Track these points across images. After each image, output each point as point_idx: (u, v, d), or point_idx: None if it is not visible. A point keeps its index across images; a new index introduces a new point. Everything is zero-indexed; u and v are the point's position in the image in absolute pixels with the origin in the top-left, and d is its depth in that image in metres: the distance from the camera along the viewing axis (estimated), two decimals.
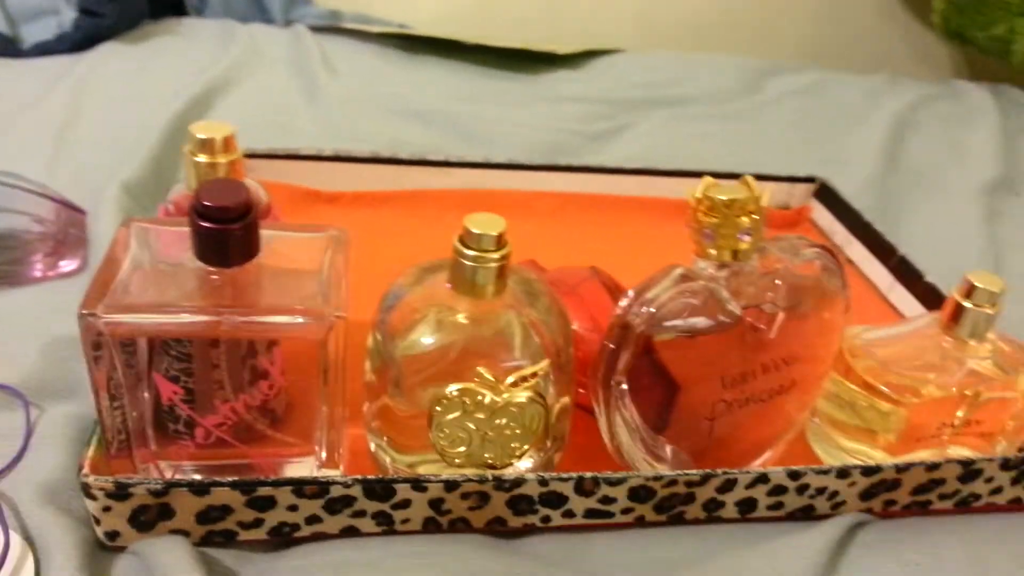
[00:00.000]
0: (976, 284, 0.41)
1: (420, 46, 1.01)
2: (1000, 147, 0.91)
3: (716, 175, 0.67)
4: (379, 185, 0.67)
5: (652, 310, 0.37)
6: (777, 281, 0.40)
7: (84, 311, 0.33)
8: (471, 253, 0.36)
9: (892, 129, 0.92)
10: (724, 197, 0.37)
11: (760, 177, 0.68)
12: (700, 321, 0.38)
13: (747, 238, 0.38)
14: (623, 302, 0.38)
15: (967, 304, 0.41)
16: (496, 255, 0.36)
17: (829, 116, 0.96)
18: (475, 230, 0.36)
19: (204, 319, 0.34)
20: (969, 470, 0.42)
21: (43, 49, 0.86)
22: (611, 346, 0.38)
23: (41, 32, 0.87)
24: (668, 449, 0.41)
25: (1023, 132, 0.97)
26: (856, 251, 0.65)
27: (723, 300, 0.38)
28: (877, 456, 0.43)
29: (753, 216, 0.37)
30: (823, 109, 0.98)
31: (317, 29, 1.01)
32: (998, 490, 0.44)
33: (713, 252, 0.38)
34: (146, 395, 0.37)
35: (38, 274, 0.55)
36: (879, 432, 0.43)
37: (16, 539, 0.36)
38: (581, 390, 0.42)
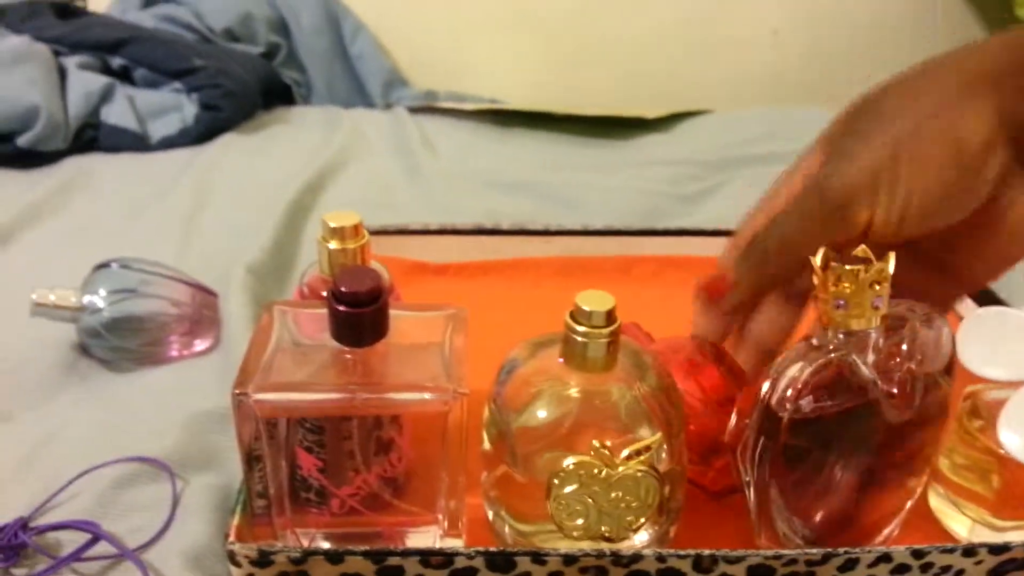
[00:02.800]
0: None
1: (512, 120, 1.05)
2: None
3: None
4: (482, 255, 0.69)
5: (793, 390, 0.38)
6: (903, 346, 0.40)
7: (237, 391, 0.36)
8: (582, 329, 0.38)
9: None
10: (851, 267, 0.37)
11: None
12: (839, 394, 0.38)
13: (879, 305, 0.38)
14: (765, 384, 0.39)
15: None
16: (606, 331, 0.38)
17: None
18: (586, 307, 0.38)
19: (341, 396, 0.37)
20: None
21: (168, 143, 0.93)
22: (755, 427, 0.39)
23: (166, 127, 0.95)
24: (799, 524, 0.41)
25: None
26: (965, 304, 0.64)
27: (860, 368, 0.38)
28: (989, 521, 0.42)
29: (883, 284, 0.38)
30: None
31: (415, 110, 1.07)
32: None
33: (843, 321, 0.38)
34: (283, 465, 0.39)
35: (175, 354, 0.59)
36: (986, 493, 0.42)
37: None
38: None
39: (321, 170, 0.86)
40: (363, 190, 0.84)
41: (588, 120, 1.03)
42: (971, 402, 0.45)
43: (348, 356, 0.38)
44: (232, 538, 0.38)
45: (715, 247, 0.70)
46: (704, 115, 1.09)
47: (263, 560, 0.38)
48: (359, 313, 0.36)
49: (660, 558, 0.39)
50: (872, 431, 0.39)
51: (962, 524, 0.45)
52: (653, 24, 1.20)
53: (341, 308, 0.36)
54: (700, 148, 0.99)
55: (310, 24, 1.16)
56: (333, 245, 0.44)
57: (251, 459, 0.37)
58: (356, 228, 0.44)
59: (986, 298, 0.61)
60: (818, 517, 0.41)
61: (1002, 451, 0.40)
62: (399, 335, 0.40)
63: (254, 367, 0.37)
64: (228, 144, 0.93)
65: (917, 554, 0.40)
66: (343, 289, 0.35)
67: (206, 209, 0.79)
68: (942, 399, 0.42)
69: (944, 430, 0.43)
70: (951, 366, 0.42)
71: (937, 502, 0.46)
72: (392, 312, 0.39)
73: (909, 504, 0.43)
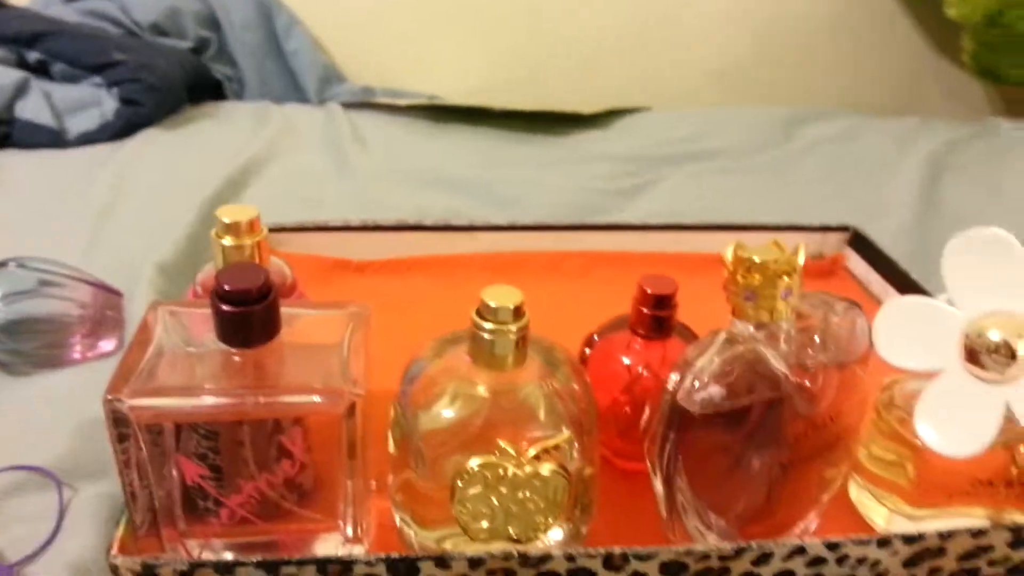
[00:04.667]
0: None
1: (448, 116, 1.03)
2: None
3: (746, 227, 0.68)
4: (406, 252, 0.67)
5: (700, 383, 0.37)
6: (816, 337, 0.39)
7: (109, 396, 0.33)
8: (489, 326, 0.36)
9: (926, 173, 0.90)
10: (761, 258, 0.36)
11: (792, 227, 0.70)
12: (749, 387, 0.37)
13: (789, 298, 0.37)
14: (673, 376, 0.38)
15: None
16: (514, 327, 0.36)
17: (861, 163, 0.95)
18: (492, 303, 0.36)
19: (226, 401, 0.34)
20: (1019, 537, 0.40)
21: (87, 139, 0.90)
22: (663, 420, 0.38)
23: (85, 123, 0.91)
24: (713, 518, 0.40)
25: None
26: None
27: (769, 361, 0.38)
28: (905, 510, 0.42)
29: (793, 276, 0.37)
30: (855, 156, 0.97)
31: (349, 105, 1.04)
32: None
33: (754, 313, 0.37)
34: (175, 474, 0.37)
35: (77, 356, 0.56)
36: (903, 483, 0.42)
37: None
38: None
39: (245, 165, 0.84)
40: (289, 186, 0.82)
41: (525, 116, 1.02)
42: (889, 393, 0.44)
43: (236, 358, 0.35)
44: (115, 551, 0.36)
45: (647, 242, 0.69)
46: (642, 112, 1.08)
47: (147, 573, 0.35)
48: (244, 312, 0.34)
49: (569, 558, 0.37)
50: (784, 423, 0.38)
51: (880, 514, 0.44)
52: (594, 21, 1.19)
53: (224, 307, 0.34)
54: (637, 145, 0.99)
55: (241, 19, 1.13)
56: (227, 241, 0.41)
57: (128, 469, 0.35)
58: (252, 224, 0.42)
59: (908, 287, 0.61)
60: (733, 511, 0.40)
61: (918, 442, 0.40)
62: (296, 335, 0.38)
63: (130, 371, 0.34)
64: (149, 139, 0.90)
65: (832, 546, 0.39)
66: (226, 287, 0.33)
67: (121, 206, 0.76)
68: (859, 390, 0.41)
69: (862, 421, 0.43)
70: (868, 357, 0.41)
71: (857, 493, 0.46)
72: (287, 311, 0.37)
73: (827, 496, 0.43)
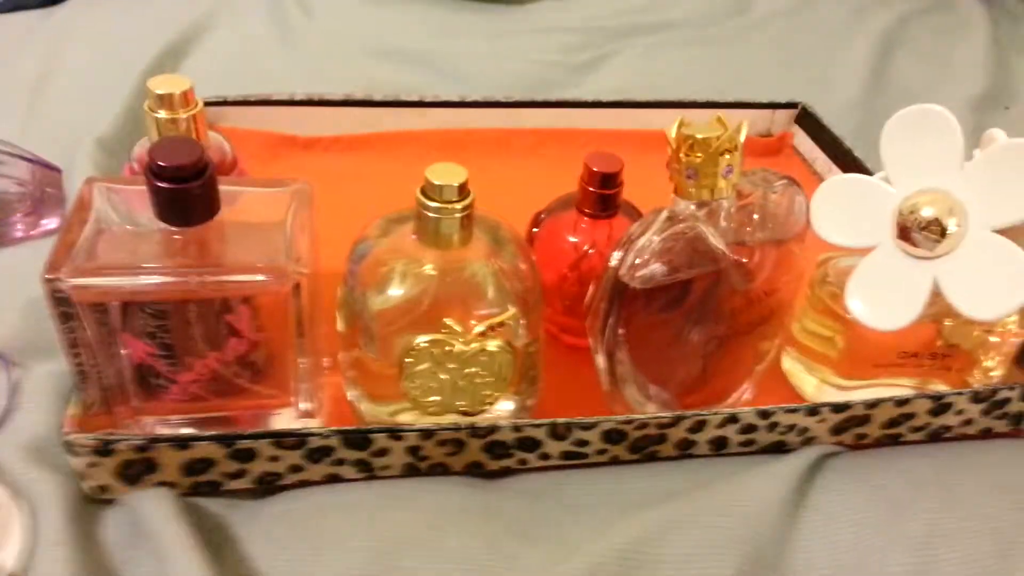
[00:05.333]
0: None
1: None
2: (990, 59, 0.89)
3: (695, 105, 0.68)
4: (355, 128, 0.66)
5: (641, 260, 0.37)
6: (755, 215, 0.40)
7: (48, 276, 0.33)
8: (434, 205, 0.36)
9: (880, 46, 0.89)
10: (704, 136, 0.36)
11: (741, 104, 0.69)
12: (689, 264, 0.38)
13: (730, 175, 0.38)
14: (616, 253, 0.38)
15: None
16: (459, 205, 0.36)
17: (816, 36, 0.94)
18: (437, 181, 0.36)
19: (168, 280, 0.34)
20: (940, 404, 0.43)
21: (13, 5, 0.84)
22: (605, 296, 0.38)
23: None
24: (653, 389, 0.42)
25: (1014, 43, 0.95)
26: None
27: (709, 238, 0.38)
28: (835, 381, 0.44)
29: (734, 153, 0.37)
30: (810, 28, 0.95)
31: None
32: (969, 422, 0.44)
33: (695, 191, 0.38)
34: (123, 352, 0.37)
35: (19, 234, 0.55)
36: (833, 355, 0.44)
37: (5, 493, 0.37)
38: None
39: (185, 33, 0.80)
40: (231, 57, 0.78)
41: None
42: (823, 269, 0.46)
43: (177, 237, 0.35)
44: (67, 428, 0.37)
45: (598, 119, 0.69)
46: None
47: (104, 449, 0.36)
48: (181, 189, 0.33)
49: (515, 428, 0.39)
50: (722, 299, 0.40)
51: (811, 385, 0.47)
52: None
53: (160, 184, 0.33)
54: (594, 15, 0.96)
55: None
56: (162, 115, 0.40)
57: (75, 348, 0.35)
58: (186, 95, 0.40)
59: (851, 165, 0.62)
60: (671, 382, 0.42)
61: (848, 316, 0.41)
62: (238, 213, 0.37)
63: (68, 249, 0.34)
64: (81, 5, 0.84)
65: (763, 414, 0.41)
66: (160, 163, 0.32)
67: (55, 76, 0.72)
68: (794, 266, 0.43)
69: (796, 296, 0.45)
70: (804, 234, 0.42)
71: (790, 365, 0.48)
72: (227, 188, 0.36)
73: (761, 367, 0.45)
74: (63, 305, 0.34)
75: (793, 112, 0.71)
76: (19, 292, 0.49)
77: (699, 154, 0.37)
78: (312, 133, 0.65)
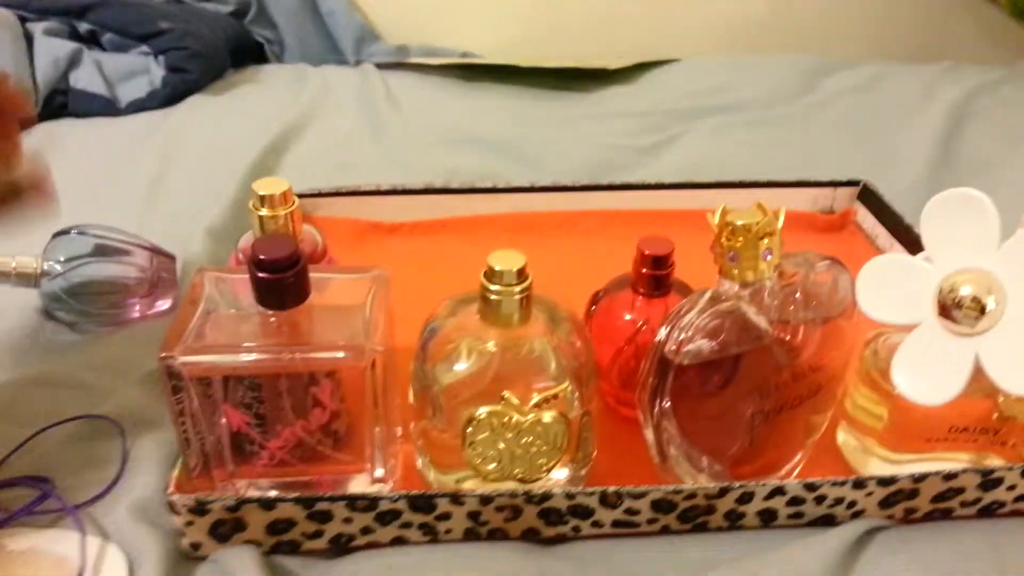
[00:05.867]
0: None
1: (479, 74, 1.06)
2: None
3: (758, 185, 0.71)
4: (435, 213, 0.72)
5: (686, 336, 0.40)
6: (797, 294, 0.42)
7: (163, 354, 0.38)
8: (495, 288, 0.40)
9: (948, 120, 0.90)
10: (744, 222, 0.39)
11: (804, 183, 0.72)
12: (733, 340, 0.41)
13: (769, 258, 0.40)
14: (662, 329, 0.41)
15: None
16: (518, 288, 0.40)
17: (883, 112, 0.95)
18: (498, 267, 0.40)
19: (264, 357, 0.39)
20: (989, 479, 0.43)
21: (137, 106, 0.95)
22: (652, 371, 0.41)
23: (135, 91, 0.96)
24: (705, 461, 0.44)
25: None
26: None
27: (751, 317, 0.41)
28: (882, 454, 0.45)
29: (773, 237, 0.40)
30: (877, 105, 0.97)
31: (383, 66, 1.07)
32: (1022, 497, 0.44)
33: (737, 273, 0.41)
34: (224, 421, 0.42)
35: (136, 315, 0.62)
36: (879, 428, 0.45)
37: (114, 548, 0.42)
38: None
39: (285, 130, 0.88)
40: (325, 150, 0.86)
41: (554, 73, 1.04)
42: (873, 345, 0.47)
43: (273, 319, 0.40)
44: (171, 489, 0.41)
45: (662, 201, 0.72)
46: (669, 64, 1.09)
47: (200, 508, 0.41)
48: (277, 279, 0.38)
49: (569, 495, 0.42)
50: (766, 373, 0.42)
51: (864, 458, 0.48)
52: None
53: (260, 275, 0.38)
54: (663, 99, 1.01)
55: None
56: (264, 212, 0.46)
57: (182, 417, 0.40)
58: (285, 195, 0.46)
59: (912, 241, 0.63)
60: (721, 454, 0.44)
61: (894, 391, 0.43)
62: (325, 297, 0.42)
63: (181, 331, 0.39)
64: (196, 106, 0.95)
65: (810, 487, 0.43)
66: (261, 257, 0.38)
67: (172, 172, 0.81)
68: (844, 342, 0.45)
69: (846, 370, 0.46)
70: (852, 311, 0.44)
71: (844, 438, 0.49)
72: (316, 276, 0.41)
73: (812, 440, 0.46)
74: (174, 379, 0.39)
75: (854, 189, 0.73)
76: (135, 368, 0.55)
77: (740, 239, 0.40)
78: (396, 219, 0.71)
